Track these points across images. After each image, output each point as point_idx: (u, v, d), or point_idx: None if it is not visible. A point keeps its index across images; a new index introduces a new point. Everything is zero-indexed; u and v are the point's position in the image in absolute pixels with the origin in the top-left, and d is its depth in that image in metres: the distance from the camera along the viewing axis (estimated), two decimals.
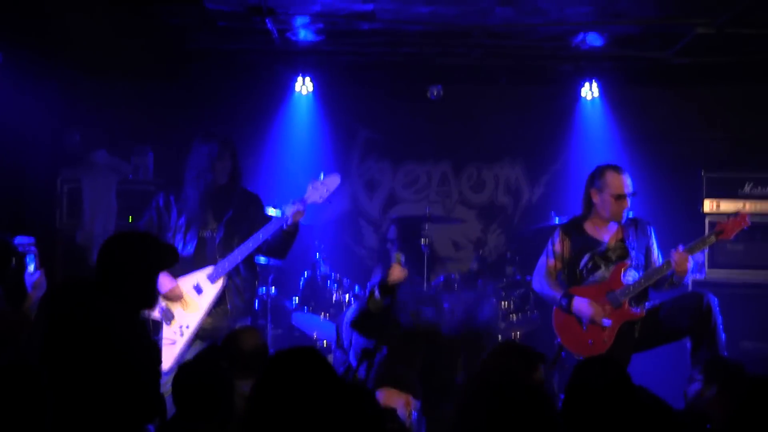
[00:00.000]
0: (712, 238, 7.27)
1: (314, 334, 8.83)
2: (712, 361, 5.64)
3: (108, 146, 9.79)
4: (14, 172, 8.59)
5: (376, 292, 7.07)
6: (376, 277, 7.39)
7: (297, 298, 8.87)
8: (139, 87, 9.86)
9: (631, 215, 7.64)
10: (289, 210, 7.22)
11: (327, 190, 7.32)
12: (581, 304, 7.26)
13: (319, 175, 7.34)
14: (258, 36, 9.11)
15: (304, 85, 10.46)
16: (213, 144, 7.42)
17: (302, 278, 8.70)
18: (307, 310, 8.74)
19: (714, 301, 7.07)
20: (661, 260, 7.36)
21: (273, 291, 9.09)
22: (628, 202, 7.42)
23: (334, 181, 7.35)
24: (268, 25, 8.67)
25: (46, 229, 9.06)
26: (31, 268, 6.69)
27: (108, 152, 9.76)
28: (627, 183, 7.44)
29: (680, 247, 7.07)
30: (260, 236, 7.23)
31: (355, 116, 10.70)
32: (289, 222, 7.21)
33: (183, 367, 4.99)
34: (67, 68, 9.19)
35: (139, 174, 9.71)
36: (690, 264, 7.11)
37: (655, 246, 7.51)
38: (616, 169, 7.51)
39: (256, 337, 5.69)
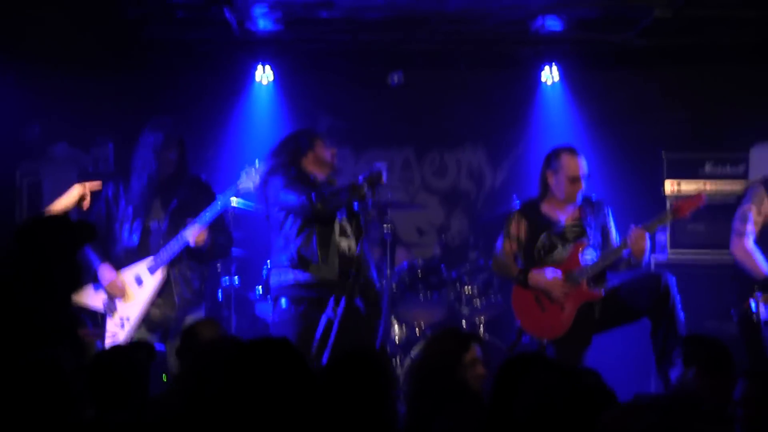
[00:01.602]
0: (669, 216, 7.28)
1: None
2: (687, 342, 5.51)
3: (68, 138, 9.78)
4: None
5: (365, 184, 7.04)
6: None
7: (260, 288, 8.78)
8: (98, 78, 9.83)
9: (592, 197, 7.59)
10: (223, 200, 7.30)
11: (260, 177, 7.29)
12: (538, 276, 7.25)
13: (254, 162, 7.34)
14: (217, 26, 9.07)
15: (264, 75, 10.43)
16: (158, 133, 7.38)
17: (265, 268, 8.58)
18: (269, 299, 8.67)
19: (672, 281, 7.06)
20: (618, 240, 7.38)
21: (236, 282, 9.04)
22: (583, 183, 7.40)
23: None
24: (227, 14, 8.65)
25: (5, 223, 9.02)
26: None
27: (68, 144, 9.74)
28: (582, 165, 7.42)
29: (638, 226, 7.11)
30: (201, 219, 7.20)
31: (317, 104, 10.67)
32: (225, 207, 7.32)
33: (99, 356, 4.92)
34: (25, 61, 9.16)
35: (99, 166, 9.68)
36: (647, 243, 7.10)
37: (612, 226, 7.51)
38: (571, 151, 7.50)
39: (214, 329, 5.63)
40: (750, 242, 7.41)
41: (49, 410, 3.92)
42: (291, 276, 7.13)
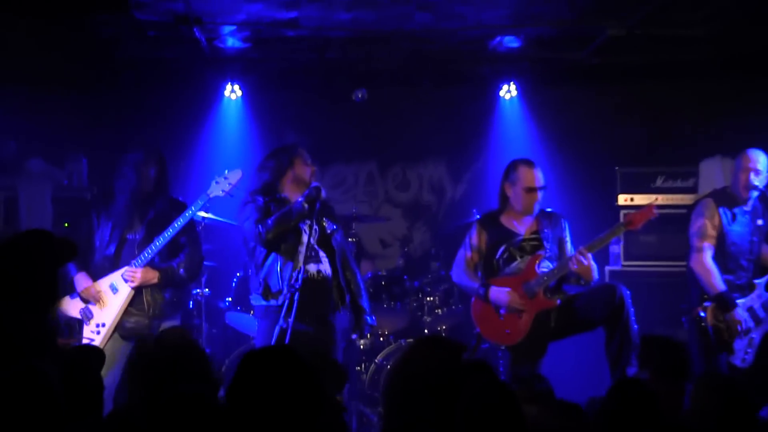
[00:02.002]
0: (622, 228, 7.35)
1: (249, 332, 8.79)
2: (645, 344, 5.64)
3: (43, 154, 9.75)
4: None
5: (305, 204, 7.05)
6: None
7: (230, 298, 8.85)
8: (71, 96, 9.85)
9: (549, 210, 7.72)
10: (195, 207, 7.37)
11: (229, 184, 7.39)
12: (498, 293, 7.29)
13: (223, 172, 7.43)
14: (187, 44, 9.09)
15: (233, 92, 10.47)
16: (139, 153, 7.44)
17: (234, 279, 8.70)
18: (240, 310, 8.73)
19: (627, 294, 7.10)
20: (574, 253, 7.37)
21: (207, 291, 9.06)
22: (539, 195, 7.46)
23: (236, 175, 7.44)
24: (196, 33, 8.67)
25: None
26: None
27: (43, 160, 9.71)
28: (538, 176, 7.48)
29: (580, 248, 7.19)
30: (169, 231, 7.24)
31: (284, 120, 10.67)
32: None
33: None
34: (0, 79, 9.16)
35: (73, 180, 9.68)
36: (590, 264, 7.15)
37: (568, 239, 7.56)
38: (528, 163, 7.56)
39: (182, 337, 5.55)
40: (708, 258, 7.56)
41: (37, 421, 3.84)
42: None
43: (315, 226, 7.10)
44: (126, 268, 7.29)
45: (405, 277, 9.40)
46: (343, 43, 9.20)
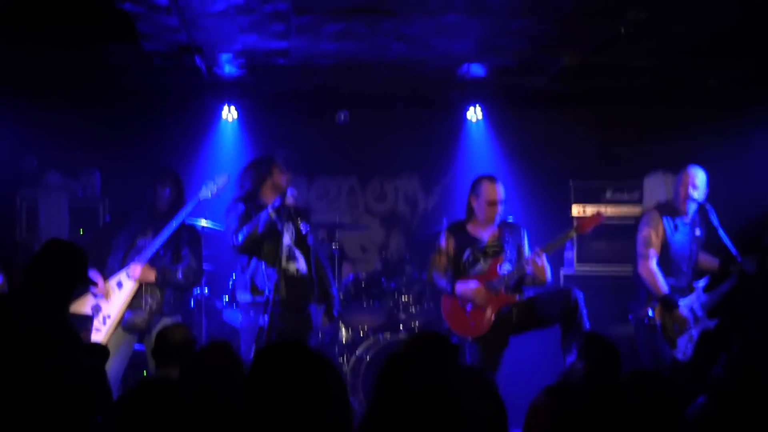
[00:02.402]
0: (573, 233, 7.51)
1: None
2: (586, 339, 5.70)
3: (60, 168, 9.77)
4: None
5: (272, 213, 7.15)
6: None
7: (227, 296, 8.90)
8: (86, 116, 9.82)
9: (510, 219, 7.86)
10: (207, 189, 7.50)
11: (216, 187, 7.50)
12: (464, 289, 7.47)
13: (212, 177, 7.57)
14: (188, 71, 9.08)
15: (230, 113, 10.49)
16: (156, 174, 7.60)
17: (230, 280, 8.76)
18: (235, 308, 8.78)
19: (580, 297, 7.26)
20: (530, 255, 7.52)
21: (206, 291, 9.13)
22: (499, 207, 7.60)
23: (222, 179, 7.56)
24: (197, 61, 8.69)
25: (7, 241, 9.10)
26: None
27: (60, 173, 9.74)
28: (499, 191, 7.63)
29: (536, 249, 7.35)
30: (164, 234, 7.36)
31: (275, 139, 10.53)
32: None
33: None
34: (23, 101, 9.18)
35: (87, 192, 9.74)
36: (542, 264, 7.30)
37: (526, 246, 7.70)
38: (491, 179, 7.71)
39: (183, 333, 5.72)
40: (653, 263, 7.67)
41: (74, 412, 3.85)
42: (249, 297, 7.31)
43: (292, 229, 7.28)
44: (128, 266, 7.38)
45: (382, 279, 9.47)
46: (328, 71, 9.18)
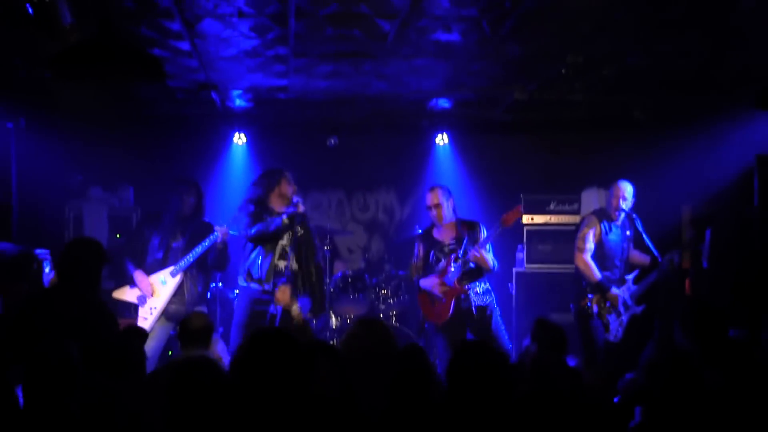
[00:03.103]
0: (502, 225, 7.44)
1: None
2: (537, 324, 5.64)
3: (101, 184, 9.79)
4: (35, 203, 8.59)
5: (285, 220, 7.26)
6: None
7: (237, 290, 8.95)
8: (122, 140, 9.81)
9: (468, 220, 7.84)
10: (219, 230, 7.41)
11: (222, 234, 7.42)
12: (425, 284, 7.59)
13: (221, 224, 7.47)
14: (206, 104, 9.12)
15: (240, 138, 10.47)
16: (183, 185, 7.63)
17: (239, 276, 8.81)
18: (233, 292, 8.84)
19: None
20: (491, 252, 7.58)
21: (220, 285, 9.17)
22: (435, 210, 7.63)
23: (224, 229, 7.45)
24: (213, 96, 8.75)
25: (57, 244, 8.86)
26: (47, 270, 6.89)
27: (101, 188, 9.76)
28: (430, 197, 7.70)
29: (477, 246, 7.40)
30: (200, 247, 7.38)
31: (277, 159, 10.14)
32: (219, 239, 7.38)
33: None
34: (71, 128, 9.20)
35: (123, 203, 9.76)
36: (480, 254, 7.34)
37: (482, 239, 7.60)
38: (430, 188, 7.81)
39: (203, 319, 5.69)
40: (588, 256, 7.69)
41: (60, 384, 3.82)
42: (245, 283, 7.39)
43: (291, 232, 7.30)
44: (171, 267, 7.42)
45: (366, 275, 9.53)
46: (321, 104, 9.18)
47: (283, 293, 7.13)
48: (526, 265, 9.66)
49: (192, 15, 5.97)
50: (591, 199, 9.63)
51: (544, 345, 5.36)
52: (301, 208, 7.31)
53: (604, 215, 7.87)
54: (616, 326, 7.69)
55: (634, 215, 7.85)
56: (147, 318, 7.40)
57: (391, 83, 8.27)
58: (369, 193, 11.16)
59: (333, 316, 9.24)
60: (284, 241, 7.36)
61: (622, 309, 7.70)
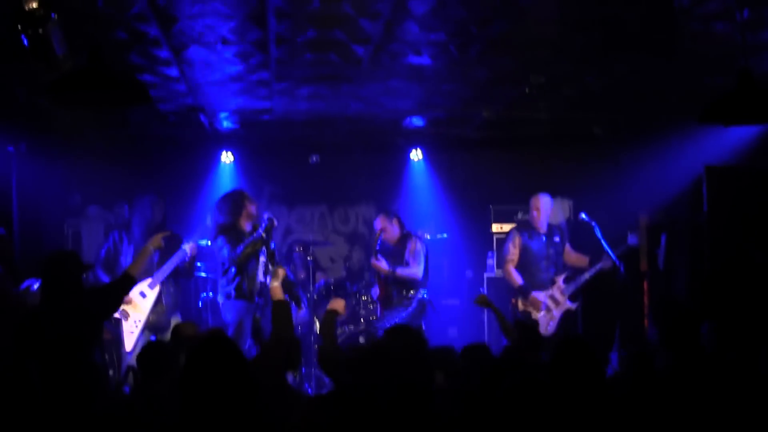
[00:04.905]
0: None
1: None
2: (516, 325, 6.00)
3: (98, 202, 9.77)
4: (35, 221, 8.57)
5: (263, 234, 7.22)
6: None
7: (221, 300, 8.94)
8: (117, 161, 9.78)
9: (407, 232, 8.28)
10: (188, 247, 7.30)
11: (190, 250, 7.34)
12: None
13: (189, 240, 7.37)
14: (194, 125, 9.12)
15: (227, 157, 10.44)
16: (154, 196, 7.55)
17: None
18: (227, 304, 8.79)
19: None
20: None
21: (210, 295, 9.13)
22: (380, 234, 8.22)
23: (191, 246, 7.34)
24: (201, 118, 8.74)
25: None
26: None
27: (98, 206, 9.73)
28: (376, 222, 8.32)
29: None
30: (173, 263, 7.26)
31: (262, 177, 10.68)
32: (189, 255, 7.30)
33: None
34: (68, 150, 9.22)
35: (118, 220, 9.65)
36: (375, 264, 8.05)
37: (413, 249, 8.13)
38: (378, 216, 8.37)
39: (193, 328, 5.66)
40: (510, 267, 8.06)
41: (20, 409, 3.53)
42: (234, 300, 7.22)
43: (265, 248, 7.25)
44: (149, 279, 7.27)
45: (347, 283, 9.54)
46: (303, 124, 9.20)
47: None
48: (495, 270, 9.67)
49: (179, 43, 5.98)
50: (555, 209, 9.48)
51: (523, 344, 5.47)
52: (275, 223, 7.27)
53: (525, 226, 8.18)
54: (545, 321, 7.95)
55: (593, 223, 7.99)
56: (133, 332, 7.25)
57: (367, 104, 8.30)
58: (350, 206, 11.07)
59: (317, 321, 9.15)
60: (263, 257, 7.33)
61: (548, 307, 7.96)
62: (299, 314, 8.53)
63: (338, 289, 9.42)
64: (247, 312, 7.23)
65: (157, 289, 7.32)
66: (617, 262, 7.99)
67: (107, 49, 4.76)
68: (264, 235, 7.21)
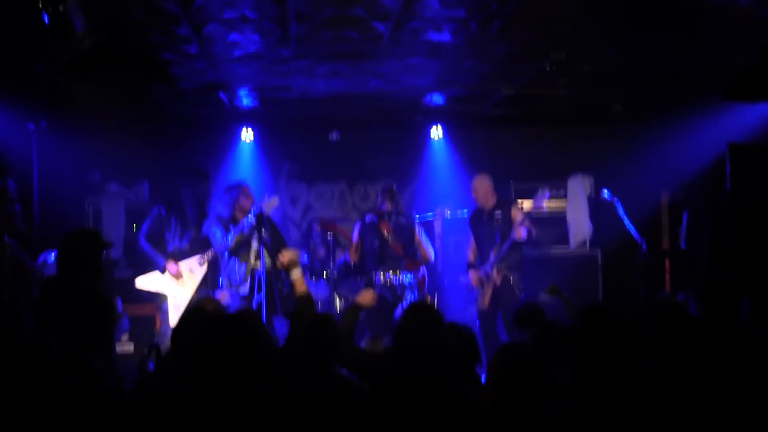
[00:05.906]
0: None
1: None
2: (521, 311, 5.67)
3: (118, 179, 9.79)
4: (56, 199, 8.57)
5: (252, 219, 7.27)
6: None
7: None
8: (137, 138, 9.74)
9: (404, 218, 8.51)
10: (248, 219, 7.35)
11: (271, 205, 7.37)
12: None
13: (268, 197, 7.42)
14: (215, 103, 9.14)
15: (247, 135, 10.45)
16: (203, 172, 7.81)
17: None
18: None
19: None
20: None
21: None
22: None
23: (274, 201, 7.40)
24: (221, 96, 8.78)
25: None
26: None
27: (118, 184, 9.76)
28: (386, 205, 8.42)
29: None
30: (238, 230, 7.33)
31: (282, 154, 10.70)
32: (249, 224, 7.31)
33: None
34: (89, 128, 9.20)
35: (139, 198, 9.75)
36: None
37: (418, 234, 8.47)
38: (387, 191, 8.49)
39: (214, 304, 5.41)
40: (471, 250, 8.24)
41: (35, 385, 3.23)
42: (226, 290, 7.38)
43: (258, 234, 7.26)
44: (198, 256, 7.49)
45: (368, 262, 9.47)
46: (322, 101, 9.20)
47: (285, 255, 6.84)
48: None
49: (198, 20, 5.99)
50: (577, 185, 9.67)
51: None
52: (266, 210, 7.28)
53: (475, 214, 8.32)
54: (482, 294, 8.13)
55: (616, 201, 8.05)
56: (180, 305, 7.38)
57: (387, 81, 8.29)
58: (369, 183, 11.02)
59: (337, 298, 9.15)
60: (255, 245, 7.37)
61: (490, 277, 8.03)
62: (318, 291, 8.55)
63: (357, 266, 9.26)
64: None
65: (205, 266, 7.49)
66: (639, 240, 7.94)
67: (127, 26, 4.77)
68: (253, 220, 7.26)
